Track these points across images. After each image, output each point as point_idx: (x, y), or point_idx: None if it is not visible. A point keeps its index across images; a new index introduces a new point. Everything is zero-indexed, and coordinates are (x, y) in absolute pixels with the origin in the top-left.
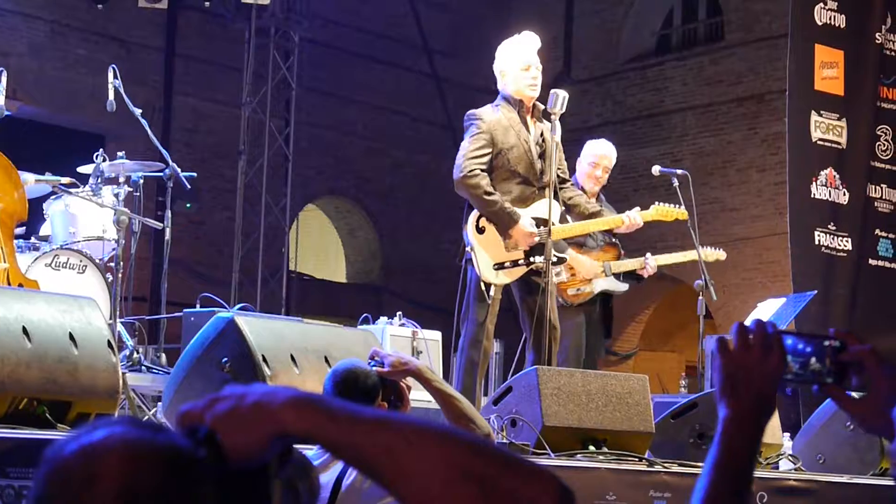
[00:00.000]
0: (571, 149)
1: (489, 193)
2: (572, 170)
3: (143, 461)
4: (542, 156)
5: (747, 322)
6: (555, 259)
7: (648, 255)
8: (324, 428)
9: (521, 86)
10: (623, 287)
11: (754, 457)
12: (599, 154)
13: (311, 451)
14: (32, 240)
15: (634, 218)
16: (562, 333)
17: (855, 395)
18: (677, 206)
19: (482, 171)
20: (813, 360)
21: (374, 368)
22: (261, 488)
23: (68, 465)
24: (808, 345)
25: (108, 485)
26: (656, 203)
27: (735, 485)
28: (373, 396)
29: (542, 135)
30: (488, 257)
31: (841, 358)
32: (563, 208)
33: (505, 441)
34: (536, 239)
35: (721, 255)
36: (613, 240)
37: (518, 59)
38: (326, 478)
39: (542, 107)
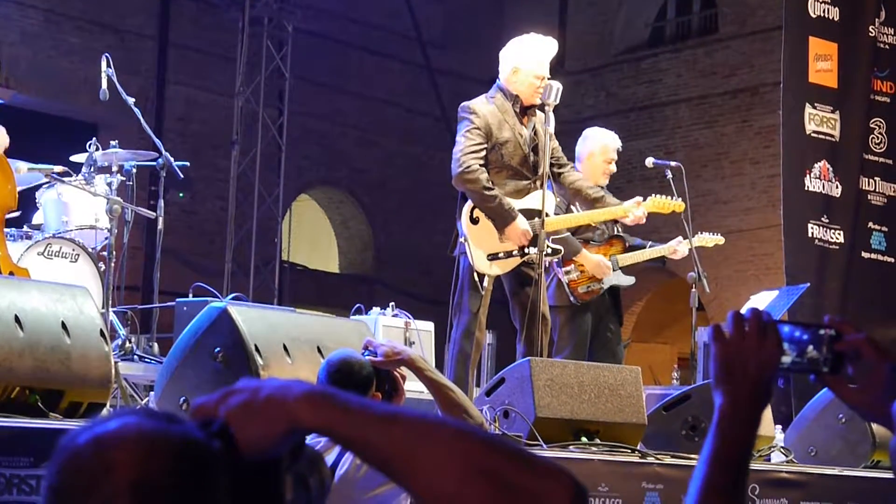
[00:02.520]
0: (564, 140)
1: (488, 189)
2: (572, 158)
3: (157, 452)
4: (535, 149)
5: (742, 310)
6: (548, 251)
7: (680, 238)
8: (338, 422)
9: (530, 91)
10: (630, 280)
11: (751, 445)
12: (615, 148)
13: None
14: (25, 228)
15: (638, 214)
16: (566, 340)
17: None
18: (674, 197)
19: (481, 165)
20: (810, 348)
21: (368, 358)
22: (273, 481)
23: (82, 455)
24: (805, 333)
25: (122, 475)
26: (653, 195)
27: (732, 473)
28: (367, 387)
29: (534, 128)
30: (482, 248)
31: (836, 346)
32: (563, 194)
33: (497, 432)
34: (530, 240)
35: (719, 239)
36: (619, 232)
37: (537, 68)
38: None
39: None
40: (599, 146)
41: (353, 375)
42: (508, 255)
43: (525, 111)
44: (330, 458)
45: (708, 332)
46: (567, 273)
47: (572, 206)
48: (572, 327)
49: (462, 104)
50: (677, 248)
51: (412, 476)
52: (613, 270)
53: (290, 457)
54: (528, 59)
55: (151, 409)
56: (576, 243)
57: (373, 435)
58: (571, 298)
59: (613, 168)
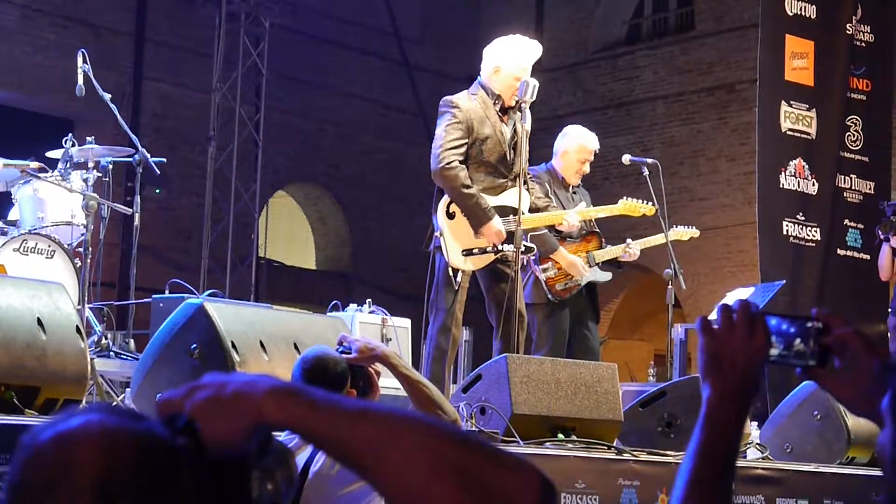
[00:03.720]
0: (541, 138)
1: (467, 186)
2: (545, 158)
3: (121, 450)
4: (515, 147)
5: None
6: (522, 248)
7: (629, 240)
8: (305, 418)
9: (509, 92)
10: (607, 276)
11: (739, 438)
12: (592, 150)
13: (279, 438)
14: (0, 224)
15: (570, 221)
16: (544, 338)
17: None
18: (646, 201)
19: (460, 162)
20: (797, 341)
21: (342, 355)
22: (240, 478)
23: (44, 453)
24: (792, 326)
25: (85, 472)
26: (625, 198)
27: (719, 466)
28: (342, 384)
29: (514, 126)
30: (457, 243)
31: (824, 340)
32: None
33: (474, 429)
34: (504, 240)
35: (694, 232)
36: (595, 228)
37: (518, 69)
38: None
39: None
40: (576, 145)
41: (328, 372)
42: (483, 251)
43: (506, 110)
44: (304, 456)
45: (696, 325)
46: (544, 270)
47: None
48: (550, 325)
49: (444, 98)
50: (629, 249)
51: (381, 472)
52: (590, 266)
53: (258, 452)
54: (510, 60)
55: (115, 406)
56: (553, 241)
57: (341, 431)
58: (549, 296)
59: (587, 169)
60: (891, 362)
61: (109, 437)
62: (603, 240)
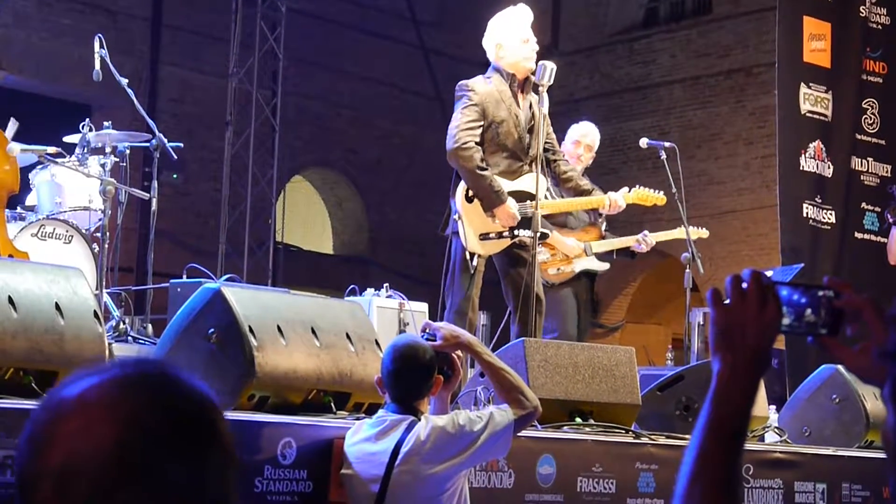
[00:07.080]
0: (559, 121)
1: (481, 168)
2: (561, 142)
3: (95, 432)
4: (531, 130)
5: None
6: (539, 233)
7: (646, 231)
8: None
9: (519, 58)
10: (604, 266)
11: (749, 413)
12: (581, 133)
13: (370, 420)
14: (18, 210)
15: (617, 201)
16: (548, 311)
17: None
18: (657, 190)
19: (476, 143)
20: (808, 311)
21: (427, 342)
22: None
23: (40, 419)
24: (804, 296)
25: (55, 453)
26: (637, 186)
27: (728, 442)
28: (431, 371)
29: (530, 108)
30: (475, 227)
31: (835, 306)
32: (553, 181)
33: (492, 410)
34: (516, 223)
35: (703, 233)
36: (594, 220)
37: (518, 32)
38: (384, 445)
39: (533, 79)
40: (568, 134)
41: (418, 360)
42: (499, 236)
43: (522, 88)
44: (395, 437)
45: (707, 298)
46: (538, 254)
47: (555, 194)
48: (552, 306)
49: (460, 82)
50: (645, 239)
51: None
52: (587, 256)
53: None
54: (506, 30)
55: (137, 370)
56: (547, 225)
57: None
58: (543, 280)
59: (582, 151)
60: (889, 349)
61: (89, 414)
62: (603, 233)
